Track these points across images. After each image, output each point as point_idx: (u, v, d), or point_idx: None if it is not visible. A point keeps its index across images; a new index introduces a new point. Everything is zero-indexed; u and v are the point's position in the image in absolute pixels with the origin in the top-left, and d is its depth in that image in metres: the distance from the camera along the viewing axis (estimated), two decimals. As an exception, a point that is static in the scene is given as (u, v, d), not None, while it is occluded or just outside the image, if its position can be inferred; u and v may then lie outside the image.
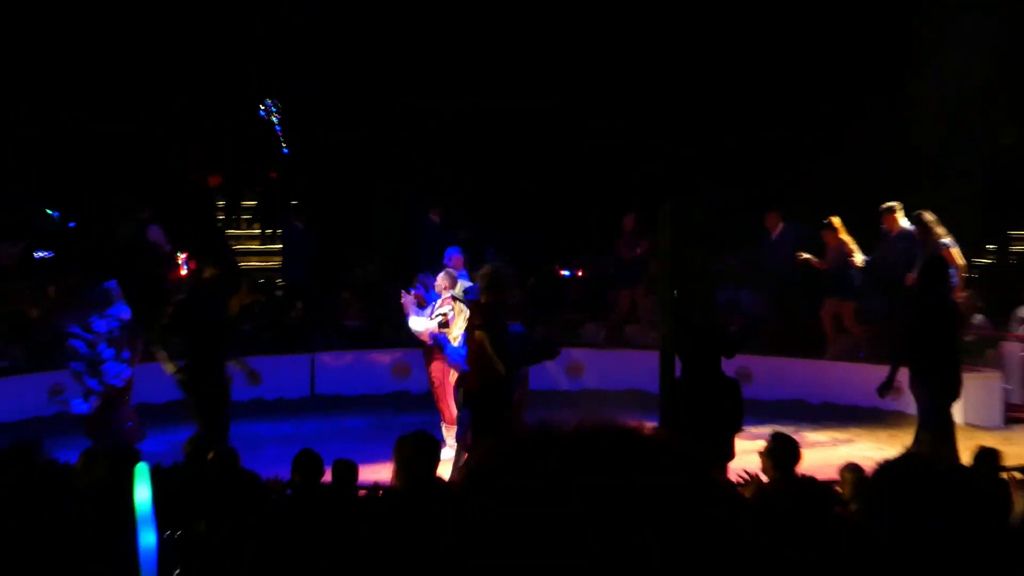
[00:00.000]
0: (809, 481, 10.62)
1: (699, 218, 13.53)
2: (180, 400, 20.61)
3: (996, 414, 19.44)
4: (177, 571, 7.70)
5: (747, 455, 13.19)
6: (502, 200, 25.81)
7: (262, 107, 29.10)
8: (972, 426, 18.63)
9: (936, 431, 14.64)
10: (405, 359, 21.28)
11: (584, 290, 24.55)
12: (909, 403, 19.72)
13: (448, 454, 15.52)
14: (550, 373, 19.08)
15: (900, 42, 24.76)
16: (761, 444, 11.72)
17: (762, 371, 20.10)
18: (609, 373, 21.10)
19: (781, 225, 21.52)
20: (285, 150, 29.33)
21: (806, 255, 20.33)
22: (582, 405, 17.74)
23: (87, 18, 25.57)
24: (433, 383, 17.57)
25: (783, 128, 24.59)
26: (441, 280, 16.92)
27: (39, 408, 19.42)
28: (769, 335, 21.55)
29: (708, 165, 23.14)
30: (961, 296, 20.01)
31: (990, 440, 15.84)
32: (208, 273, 16.90)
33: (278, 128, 29.20)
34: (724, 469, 13.00)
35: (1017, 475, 11.30)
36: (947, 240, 18.94)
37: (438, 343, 16.62)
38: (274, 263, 26.83)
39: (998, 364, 20.13)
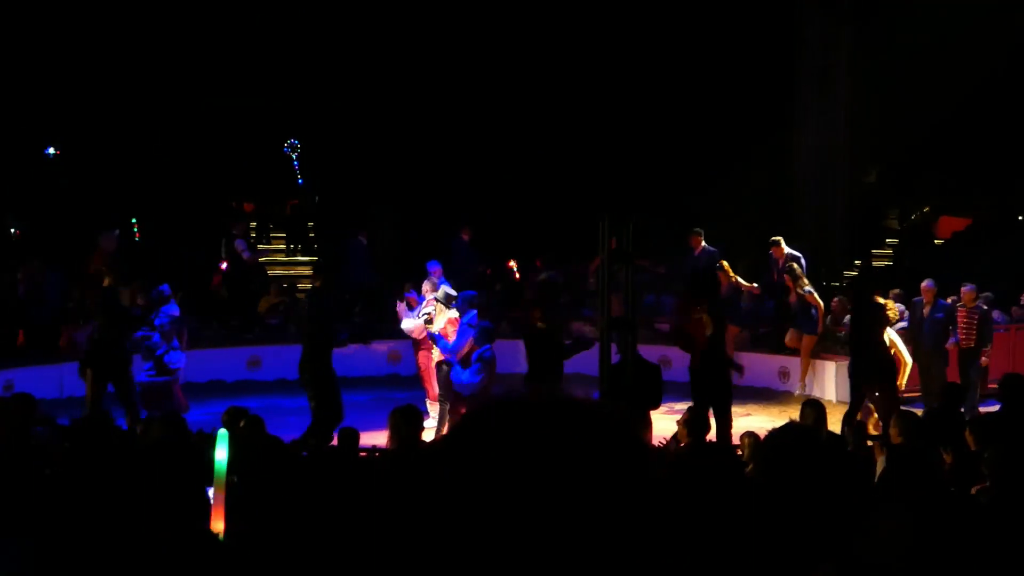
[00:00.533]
0: (715, 445, 10.62)
1: (629, 236, 13.46)
2: (219, 380, 20.74)
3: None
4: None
5: (668, 424, 13.21)
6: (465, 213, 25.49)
7: (287, 144, 28.97)
8: (842, 402, 18.66)
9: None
10: (397, 348, 21.40)
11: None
12: (792, 384, 19.85)
13: (431, 423, 15.65)
14: (511, 359, 19.00)
15: (784, 103, 24.80)
16: (679, 417, 11.76)
17: (680, 359, 20.09)
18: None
19: (702, 245, 21.31)
20: (300, 181, 29.21)
21: (742, 282, 20.24)
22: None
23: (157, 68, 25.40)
24: (420, 368, 17.92)
25: (697, 168, 24.51)
26: (426, 286, 17.27)
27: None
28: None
29: (641, 192, 22.97)
30: (835, 301, 20.23)
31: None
32: (319, 282, 17.03)
33: (296, 163, 29.12)
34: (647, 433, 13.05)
35: (878, 443, 11.33)
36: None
37: (434, 340, 16.75)
38: (296, 272, 26.96)
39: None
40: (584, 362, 16.51)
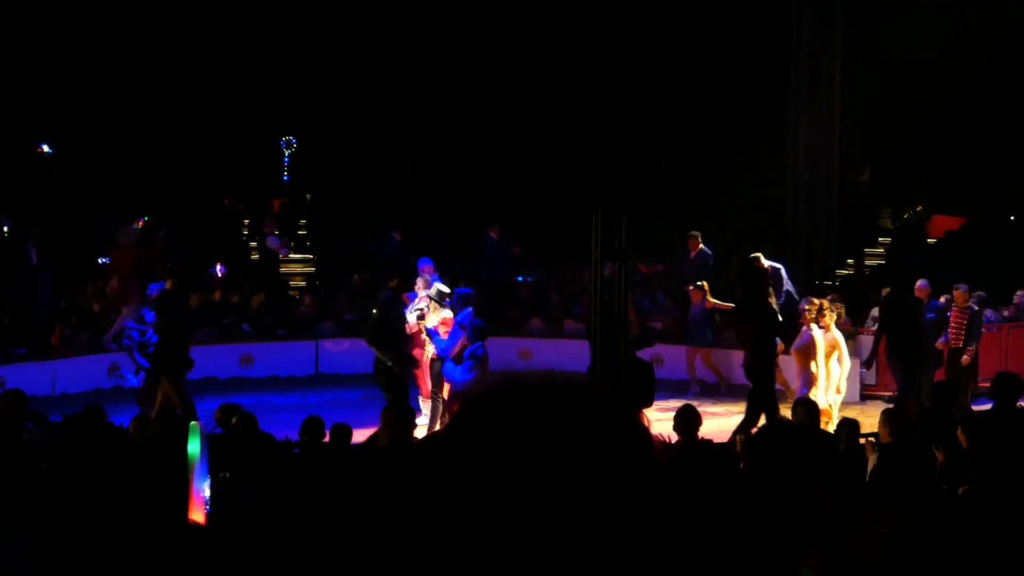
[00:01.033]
0: (707, 443, 10.65)
1: (623, 233, 13.49)
2: (211, 378, 20.75)
3: (855, 391, 19.50)
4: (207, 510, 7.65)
5: (661, 423, 13.20)
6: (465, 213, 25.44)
7: (283, 140, 29.02)
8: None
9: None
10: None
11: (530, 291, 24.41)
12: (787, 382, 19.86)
13: (423, 420, 15.65)
14: (504, 357, 19.00)
15: (777, 102, 24.82)
16: (671, 414, 11.78)
17: (672, 358, 20.19)
18: (552, 357, 21.04)
19: (700, 247, 21.35)
20: (286, 178, 29.26)
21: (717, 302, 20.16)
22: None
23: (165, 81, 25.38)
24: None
25: (690, 167, 24.52)
26: (419, 284, 17.22)
27: (100, 382, 19.49)
28: (677, 331, 21.52)
29: (634, 189, 22.93)
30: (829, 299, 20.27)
31: (850, 412, 15.91)
32: (393, 283, 17.10)
33: (286, 160, 29.15)
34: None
35: (871, 440, 11.36)
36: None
37: (429, 336, 16.79)
38: (288, 268, 26.96)
39: (856, 352, 20.20)
40: (576, 360, 16.52)
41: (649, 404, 14.95)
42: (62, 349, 20.35)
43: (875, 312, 20.55)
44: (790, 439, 4.09)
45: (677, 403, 13.43)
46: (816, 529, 3.97)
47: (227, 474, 9.41)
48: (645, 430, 1.95)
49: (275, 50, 26.01)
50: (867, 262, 26.71)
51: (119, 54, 25.00)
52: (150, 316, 17.29)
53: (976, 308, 18.21)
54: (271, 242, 24.73)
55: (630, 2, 25.22)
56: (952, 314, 18.06)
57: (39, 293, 21.22)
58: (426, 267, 17.93)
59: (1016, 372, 12.88)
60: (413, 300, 17.31)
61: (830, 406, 16.11)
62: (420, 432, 13.01)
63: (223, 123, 26.52)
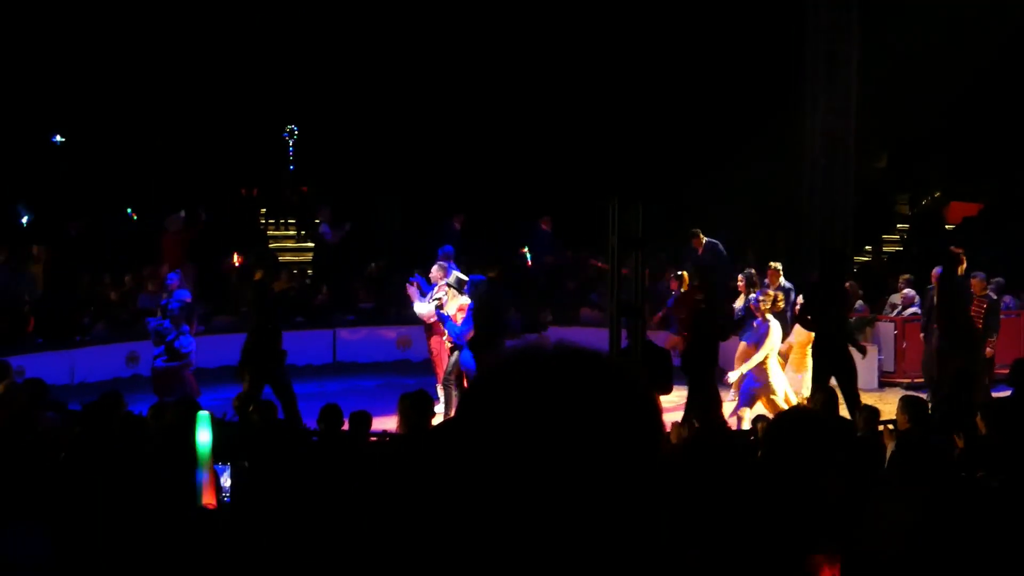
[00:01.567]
0: (724, 429, 10.66)
1: (639, 221, 13.47)
2: (229, 366, 20.78)
3: (873, 379, 19.49)
4: (226, 497, 7.68)
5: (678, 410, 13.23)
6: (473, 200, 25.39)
7: (286, 130, 29.05)
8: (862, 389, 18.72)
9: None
10: (408, 334, 21.36)
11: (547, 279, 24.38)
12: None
13: (440, 408, 15.67)
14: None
15: (792, 88, 24.80)
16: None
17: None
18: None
19: (704, 241, 21.21)
20: (291, 167, 29.32)
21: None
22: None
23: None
24: (431, 352, 17.81)
25: (705, 154, 24.43)
26: (435, 272, 17.26)
27: (119, 371, 19.58)
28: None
29: (649, 177, 22.83)
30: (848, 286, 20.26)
31: (868, 399, 15.90)
32: (493, 272, 17.13)
33: (291, 149, 29.20)
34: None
35: (889, 427, 11.36)
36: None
37: (442, 322, 16.86)
38: (305, 258, 26.98)
39: (874, 340, 20.18)
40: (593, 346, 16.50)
41: (667, 392, 14.91)
42: (81, 338, 20.45)
43: (893, 299, 20.55)
44: (809, 426, 4.08)
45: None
46: (828, 517, 3.97)
47: (246, 462, 9.44)
48: (652, 397, 1.98)
49: (279, 43, 25.97)
50: (884, 249, 26.69)
51: (129, 50, 24.98)
52: (174, 305, 17.38)
53: (994, 297, 18.11)
54: (324, 231, 24.51)
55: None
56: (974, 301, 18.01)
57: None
58: (446, 254, 17.96)
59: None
60: (430, 290, 17.31)
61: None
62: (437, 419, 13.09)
63: (228, 115, 26.49)
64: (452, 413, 15.99)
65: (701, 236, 21.06)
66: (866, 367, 18.92)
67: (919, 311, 19.21)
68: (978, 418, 10.77)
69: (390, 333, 22.12)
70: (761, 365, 15.96)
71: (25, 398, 12.28)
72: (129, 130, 26.07)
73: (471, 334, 16.37)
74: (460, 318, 16.61)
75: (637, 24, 25.25)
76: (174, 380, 17.02)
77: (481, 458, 1.89)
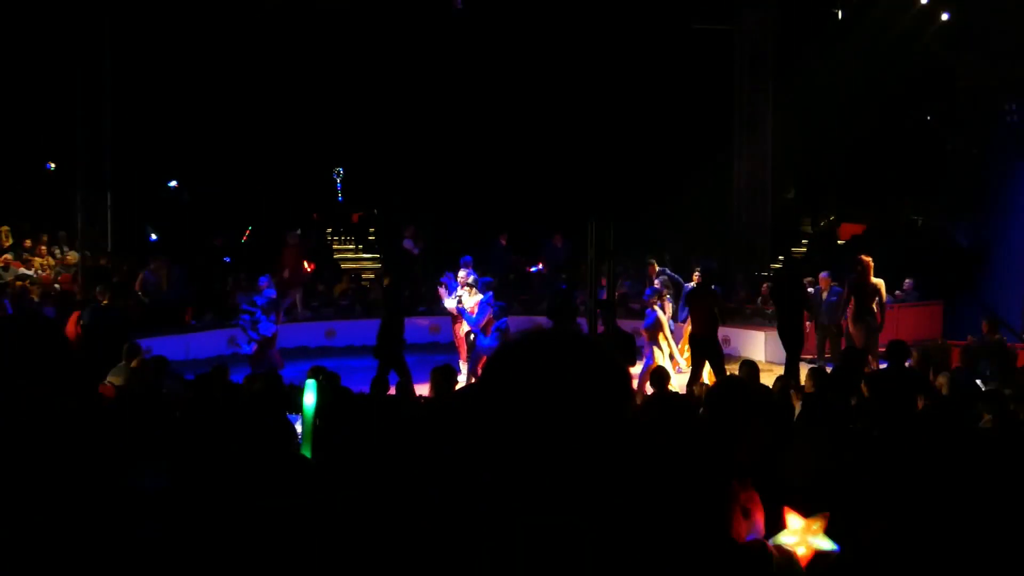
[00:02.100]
0: (674, 394, 10.63)
1: (611, 239, 13.46)
2: (304, 347, 20.78)
3: (782, 355, 19.44)
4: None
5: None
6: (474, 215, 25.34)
7: (335, 172, 29.05)
8: (771, 363, 18.67)
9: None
10: (437, 323, 21.41)
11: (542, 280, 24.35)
12: (735, 348, 19.73)
13: (462, 379, 15.68)
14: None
15: (724, 137, 24.82)
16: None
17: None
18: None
19: (657, 270, 19.82)
20: (340, 199, 29.31)
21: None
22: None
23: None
24: (455, 337, 17.90)
25: (657, 185, 24.39)
26: (461, 275, 17.25)
27: (221, 350, 19.60)
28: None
29: (617, 201, 22.74)
30: (764, 287, 20.20)
31: (780, 370, 15.91)
32: (565, 276, 17.04)
33: (339, 185, 29.20)
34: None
35: (795, 391, 11.33)
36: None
37: (460, 314, 16.92)
38: (360, 265, 27.03)
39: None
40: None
41: (632, 364, 14.97)
42: (193, 325, 20.50)
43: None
44: (740, 388, 4.09)
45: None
46: (755, 455, 3.95)
47: (319, 421, 9.41)
48: (621, 366, 2.04)
49: (331, 105, 25.92)
50: (794, 257, 26.74)
51: (228, 117, 25.00)
52: (259, 300, 17.41)
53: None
54: (407, 244, 24.40)
55: (611, 69, 25.12)
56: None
57: (174, 283, 21.38)
58: (467, 262, 17.98)
59: (905, 340, 12.81)
60: (454, 288, 17.34)
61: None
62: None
63: (294, 161, 26.50)
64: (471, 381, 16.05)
65: (655, 264, 20.24)
66: (779, 345, 18.91)
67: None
68: (863, 385, 10.76)
69: (424, 322, 22.16)
70: (657, 345, 16.08)
71: (152, 370, 12.30)
72: (229, 173, 26.08)
73: (483, 322, 16.43)
74: (475, 311, 16.73)
75: (607, 85, 25.26)
76: (263, 357, 17.05)
77: (499, 407, 1.94)
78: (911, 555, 4.53)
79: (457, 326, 17.57)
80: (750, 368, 12.52)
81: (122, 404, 9.21)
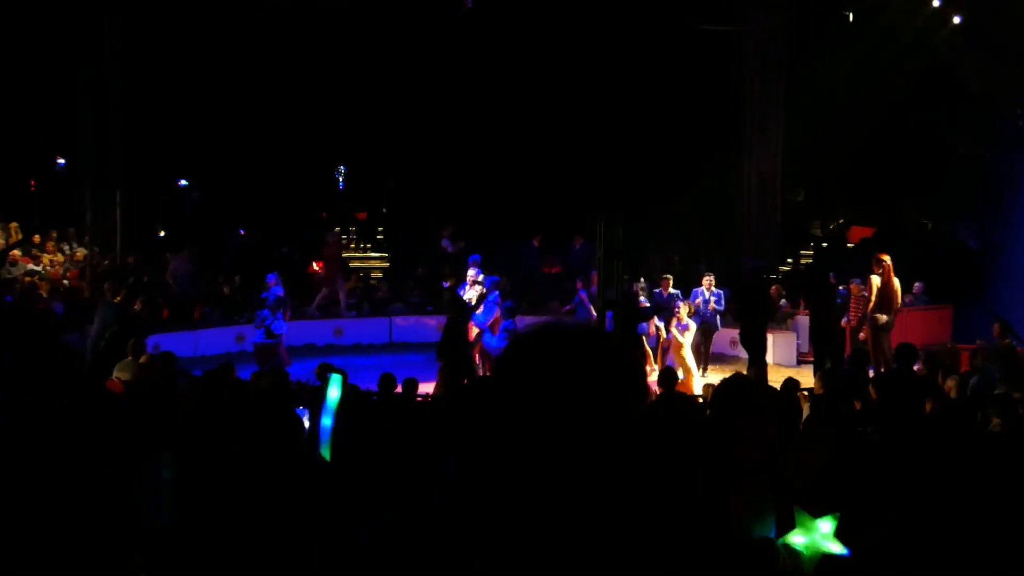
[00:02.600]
0: (681, 394, 10.62)
1: (619, 236, 13.46)
2: (312, 344, 20.80)
3: (792, 357, 19.46)
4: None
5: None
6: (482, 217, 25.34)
7: (338, 171, 29.16)
8: (778, 365, 18.63)
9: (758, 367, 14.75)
10: (445, 321, 21.40)
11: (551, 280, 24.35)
12: (743, 350, 19.70)
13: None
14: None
15: (734, 140, 24.78)
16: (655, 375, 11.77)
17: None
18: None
19: (670, 287, 19.26)
20: (342, 196, 29.48)
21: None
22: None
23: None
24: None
25: (668, 187, 24.36)
26: (470, 274, 17.28)
27: (229, 347, 19.64)
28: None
29: (626, 201, 22.69)
30: (772, 288, 20.20)
31: (789, 373, 15.87)
32: (627, 277, 16.92)
33: (341, 185, 29.30)
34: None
35: (804, 393, 11.31)
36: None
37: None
38: (368, 264, 27.07)
39: (793, 328, 20.14)
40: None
41: (644, 363, 14.98)
42: (201, 322, 20.52)
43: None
44: (748, 388, 4.08)
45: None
46: (761, 458, 3.95)
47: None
48: (636, 360, 2.03)
49: (334, 108, 25.95)
50: (801, 261, 26.69)
51: (235, 121, 25.06)
52: (268, 298, 17.46)
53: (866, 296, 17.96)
54: (444, 243, 24.43)
55: (622, 71, 25.11)
56: (851, 300, 17.90)
57: (183, 282, 21.44)
58: (475, 262, 17.99)
59: (914, 343, 12.79)
60: (463, 287, 17.35)
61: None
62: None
63: (297, 162, 26.57)
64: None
65: (669, 279, 19.62)
66: (787, 348, 18.89)
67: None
68: (870, 388, 10.74)
69: (432, 320, 22.15)
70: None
71: (160, 366, 12.31)
72: (236, 174, 26.14)
73: (491, 320, 16.44)
74: (481, 308, 16.74)
75: (623, 89, 25.27)
76: (270, 354, 17.05)
77: (512, 397, 1.93)
78: (918, 557, 4.52)
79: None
80: (759, 370, 12.51)
81: (130, 400, 9.23)
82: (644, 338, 16.42)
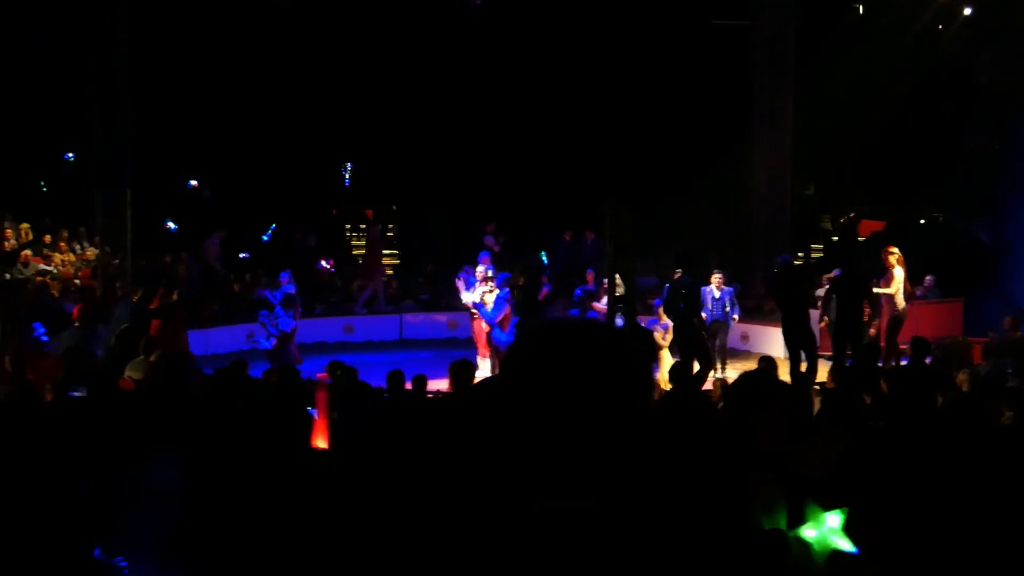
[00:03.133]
0: (694, 389, 10.60)
1: (629, 231, 13.42)
2: (323, 342, 20.82)
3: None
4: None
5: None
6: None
7: (344, 167, 29.27)
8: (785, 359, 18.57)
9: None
10: (455, 318, 21.41)
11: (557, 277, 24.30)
12: (754, 345, 19.60)
13: (480, 374, 15.68)
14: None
15: (743, 134, 24.72)
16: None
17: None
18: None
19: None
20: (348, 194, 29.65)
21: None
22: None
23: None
24: (473, 332, 17.84)
25: (677, 181, 24.29)
26: (479, 271, 17.27)
27: (240, 345, 19.67)
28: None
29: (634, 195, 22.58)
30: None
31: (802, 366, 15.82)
32: (677, 275, 16.72)
33: (347, 181, 29.42)
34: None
35: (815, 387, 11.30)
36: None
37: (477, 308, 16.93)
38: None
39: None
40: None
41: (653, 358, 14.90)
42: (212, 321, 20.59)
43: (818, 292, 20.33)
44: (761, 383, 4.06)
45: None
46: (772, 451, 3.93)
47: (336, 413, 9.42)
48: (645, 357, 2.02)
49: (341, 105, 25.93)
50: (812, 255, 26.64)
51: (246, 120, 25.09)
52: (277, 295, 17.47)
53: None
54: (488, 240, 24.15)
55: (632, 64, 25.06)
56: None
57: (193, 279, 21.50)
58: (484, 259, 17.97)
59: (926, 337, 12.75)
60: (472, 284, 17.35)
61: None
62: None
63: (305, 158, 26.61)
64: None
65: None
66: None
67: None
68: (882, 382, 10.70)
69: (442, 317, 22.20)
70: None
71: (170, 364, 12.32)
72: (245, 172, 26.20)
73: (500, 316, 16.43)
74: (491, 304, 16.75)
75: (632, 83, 25.23)
76: (281, 351, 17.07)
77: (520, 396, 1.93)
78: (927, 551, 4.50)
79: (475, 322, 17.56)
80: (768, 364, 12.47)
81: (141, 398, 9.25)
82: (658, 330, 16.33)
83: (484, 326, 17.07)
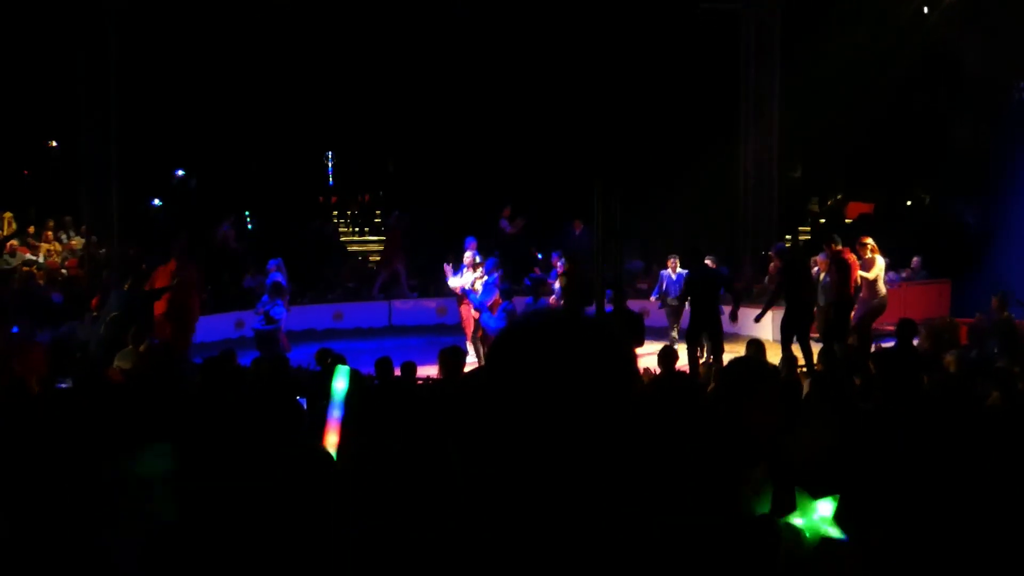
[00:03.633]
0: (682, 374, 10.61)
1: (618, 216, 13.44)
2: (311, 329, 20.79)
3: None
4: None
5: (650, 358, 13.18)
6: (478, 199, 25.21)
7: (326, 156, 29.28)
8: (779, 342, 18.59)
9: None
10: (444, 304, 21.40)
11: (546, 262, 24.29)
12: (742, 328, 19.60)
13: (470, 359, 15.69)
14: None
15: (732, 121, 24.71)
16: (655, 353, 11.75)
17: (654, 311, 19.92)
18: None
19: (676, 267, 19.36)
20: (331, 183, 29.55)
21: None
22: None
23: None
24: (461, 318, 17.84)
25: (668, 166, 24.27)
26: (467, 257, 17.28)
27: (229, 333, 19.64)
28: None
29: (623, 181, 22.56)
30: (771, 266, 20.14)
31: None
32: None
33: (330, 170, 29.42)
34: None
35: (802, 370, 11.33)
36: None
37: (465, 294, 16.94)
38: (366, 248, 27.08)
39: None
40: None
41: (640, 345, 14.91)
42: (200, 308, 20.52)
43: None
44: (751, 368, 4.07)
45: (661, 345, 13.37)
46: (766, 433, 3.94)
47: (325, 400, 9.41)
48: (628, 347, 2.01)
49: (322, 92, 25.79)
50: (800, 238, 26.67)
51: (232, 111, 25.00)
52: (268, 283, 17.51)
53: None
54: (503, 224, 24.37)
55: (619, 54, 25.01)
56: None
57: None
58: (472, 244, 17.97)
59: (913, 318, 12.77)
60: (462, 269, 17.35)
61: None
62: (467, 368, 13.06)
63: (288, 146, 26.56)
64: (480, 362, 16.04)
65: (676, 261, 19.45)
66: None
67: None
68: (870, 363, 10.73)
69: (431, 304, 22.19)
70: None
71: (160, 354, 12.31)
72: (231, 163, 26.15)
73: (489, 301, 16.45)
74: (479, 289, 16.79)
75: (621, 73, 25.17)
76: (270, 340, 17.04)
77: (505, 390, 1.91)
78: (917, 535, 4.52)
79: (464, 307, 17.55)
80: (757, 347, 12.50)
81: (129, 388, 9.23)
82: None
83: (473, 311, 17.07)
